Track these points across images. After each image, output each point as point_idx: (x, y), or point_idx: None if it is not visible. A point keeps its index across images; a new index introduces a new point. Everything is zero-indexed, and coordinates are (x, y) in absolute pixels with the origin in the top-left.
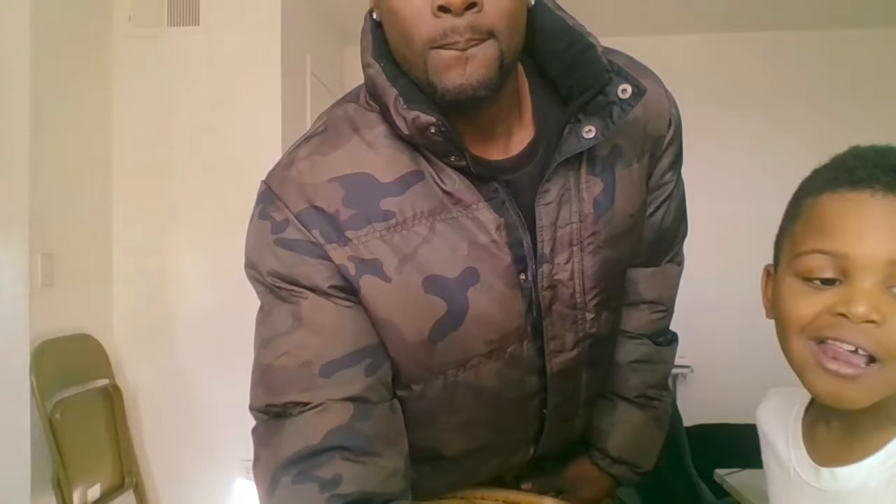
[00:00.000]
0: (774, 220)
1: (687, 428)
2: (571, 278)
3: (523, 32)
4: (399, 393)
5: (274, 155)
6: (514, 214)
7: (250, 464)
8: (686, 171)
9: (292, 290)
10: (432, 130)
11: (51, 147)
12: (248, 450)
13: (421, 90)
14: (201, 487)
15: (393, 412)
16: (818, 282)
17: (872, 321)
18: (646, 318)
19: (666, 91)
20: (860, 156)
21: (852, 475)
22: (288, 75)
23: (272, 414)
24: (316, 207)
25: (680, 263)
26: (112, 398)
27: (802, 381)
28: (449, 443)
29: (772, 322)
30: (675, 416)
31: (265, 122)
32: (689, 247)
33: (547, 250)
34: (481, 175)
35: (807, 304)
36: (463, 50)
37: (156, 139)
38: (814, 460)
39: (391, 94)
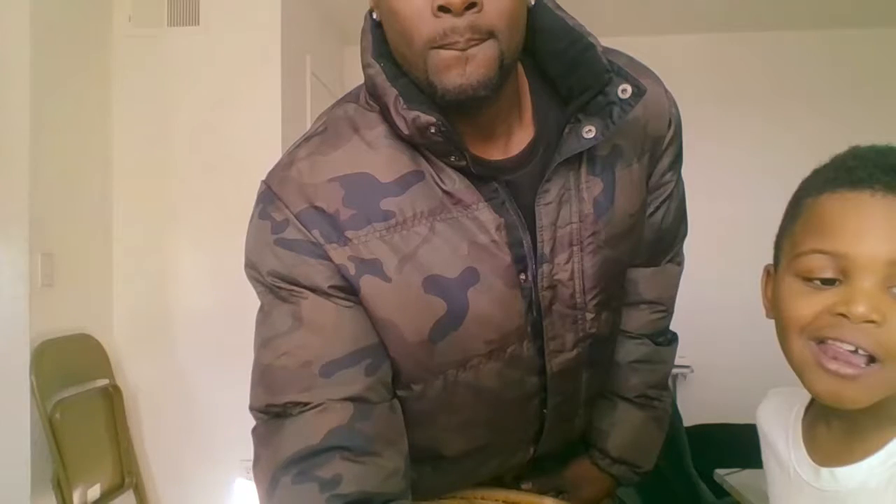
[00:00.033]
0: (774, 220)
1: (687, 428)
2: (571, 278)
3: (523, 32)
4: (399, 393)
5: (274, 155)
6: (514, 214)
7: (250, 464)
8: (686, 171)
9: (292, 290)
10: (432, 130)
11: (51, 147)
12: (248, 450)
13: (421, 90)
14: (201, 487)
15: (393, 412)
16: (818, 282)
17: (872, 321)
18: (646, 318)
19: (666, 91)
20: (860, 156)
21: (852, 475)
22: (288, 75)
23: (272, 414)
24: (316, 207)
25: (680, 263)
26: (112, 398)
27: (802, 381)
28: (449, 443)
29: (772, 322)
30: (675, 416)
31: (265, 122)
32: (689, 247)
33: (547, 250)
34: (481, 175)
35: (807, 304)
36: (463, 50)
37: (156, 139)
38: (814, 460)
39: (391, 94)
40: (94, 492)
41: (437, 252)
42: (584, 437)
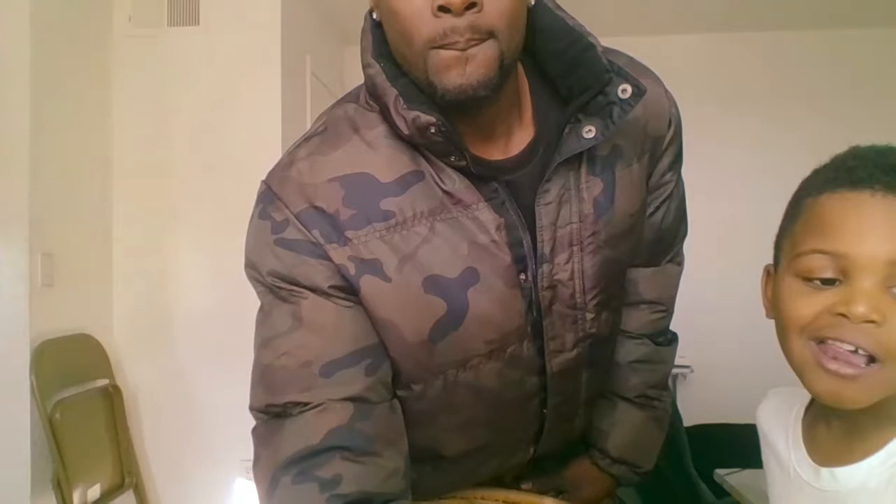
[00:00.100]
0: (774, 220)
1: (687, 428)
2: (571, 278)
3: (523, 32)
4: (399, 393)
5: (274, 155)
6: (514, 214)
7: (250, 464)
8: (686, 171)
9: (292, 290)
10: (432, 130)
11: (51, 147)
12: (248, 450)
13: (421, 90)
14: (201, 487)
15: (393, 412)
16: (818, 282)
17: (872, 321)
18: (646, 318)
19: (666, 91)
20: (860, 156)
21: (852, 475)
22: (288, 75)
23: (272, 414)
24: (316, 207)
25: (680, 263)
26: (112, 398)
27: (802, 381)
28: (449, 443)
29: (772, 322)
30: (675, 416)
31: (265, 122)
32: (689, 247)
33: (547, 250)
34: (481, 175)
35: (807, 304)
36: (463, 50)
37: (156, 139)
38: (814, 460)
39: (391, 94)
40: (94, 492)
41: (437, 252)
42: (584, 437)
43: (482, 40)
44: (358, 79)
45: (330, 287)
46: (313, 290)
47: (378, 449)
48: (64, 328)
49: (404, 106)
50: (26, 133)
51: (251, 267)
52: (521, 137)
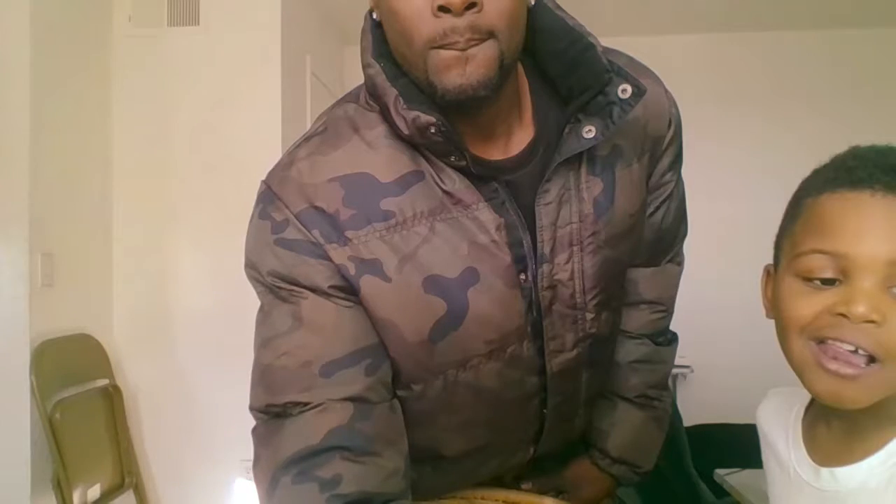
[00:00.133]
0: (774, 220)
1: (687, 428)
2: (571, 278)
3: (523, 32)
4: (399, 393)
5: (274, 155)
6: (514, 214)
7: (250, 464)
8: (686, 171)
9: (292, 290)
10: (432, 130)
11: (51, 147)
12: (248, 450)
13: (421, 90)
14: (201, 487)
15: (393, 412)
16: (818, 282)
17: (872, 321)
18: (646, 318)
19: (666, 91)
20: (860, 156)
21: (852, 475)
22: (288, 75)
23: (272, 414)
24: (316, 207)
25: (680, 263)
26: (112, 398)
27: (802, 381)
28: (449, 443)
29: (772, 322)
30: (675, 416)
31: (265, 122)
32: (689, 247)
33: (547, 250)
34: (481, 175)
35: (807, 304)
36: (463, 50)
37: (156, 139)
38: (814, 460)
39: (391, 94)
40: (94, 492)
41: (437, 252)
42: (584, 437)
43: (482, 40)
44: (358, 79)
45: (330, 287)
46: (313, 290)
47: (378, 449)
48: (64, 328)
49: (404, 106)
50: (26, 133)
51: (251, 267)
52: (521, 137)
